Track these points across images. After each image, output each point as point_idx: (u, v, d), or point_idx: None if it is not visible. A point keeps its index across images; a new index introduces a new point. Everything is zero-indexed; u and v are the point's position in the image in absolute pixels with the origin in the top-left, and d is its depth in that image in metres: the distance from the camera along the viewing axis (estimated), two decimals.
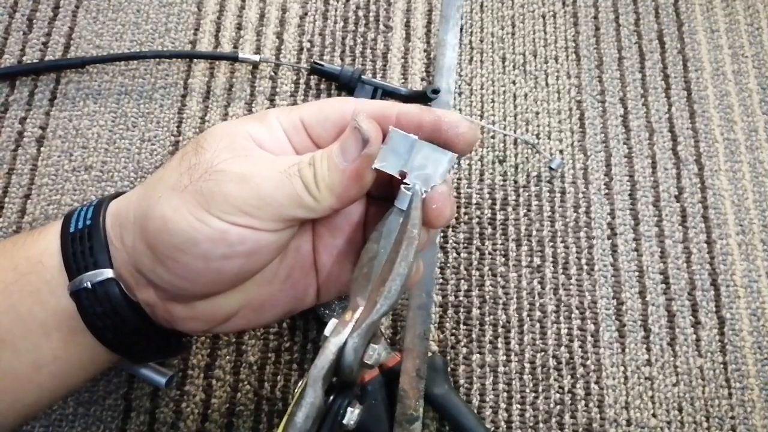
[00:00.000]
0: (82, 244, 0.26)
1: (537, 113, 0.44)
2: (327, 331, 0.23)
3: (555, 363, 0.38)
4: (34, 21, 0.45)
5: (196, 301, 0.26)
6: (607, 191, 0.43)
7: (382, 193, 0.27)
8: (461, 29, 0.46)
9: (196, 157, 0.25)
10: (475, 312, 0.39)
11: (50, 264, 0.26)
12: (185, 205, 0.24)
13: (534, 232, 0.41)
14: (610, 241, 0.41)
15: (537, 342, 0.39)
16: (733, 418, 0.38)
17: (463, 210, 0.41)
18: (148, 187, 0.26)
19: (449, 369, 0.37)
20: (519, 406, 0.37)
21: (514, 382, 0.38)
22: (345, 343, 0.22)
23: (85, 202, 0.29)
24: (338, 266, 0.28)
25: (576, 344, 0.39)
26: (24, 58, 0.43)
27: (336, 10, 0.46)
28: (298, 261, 0.28)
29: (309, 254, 0.28)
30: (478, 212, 0.41)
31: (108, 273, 0.25)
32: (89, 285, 0.25)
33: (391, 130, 0.24)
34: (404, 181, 0.24)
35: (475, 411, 0.37)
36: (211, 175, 0.24)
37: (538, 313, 0.39)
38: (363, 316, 0.23)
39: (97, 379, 0.36)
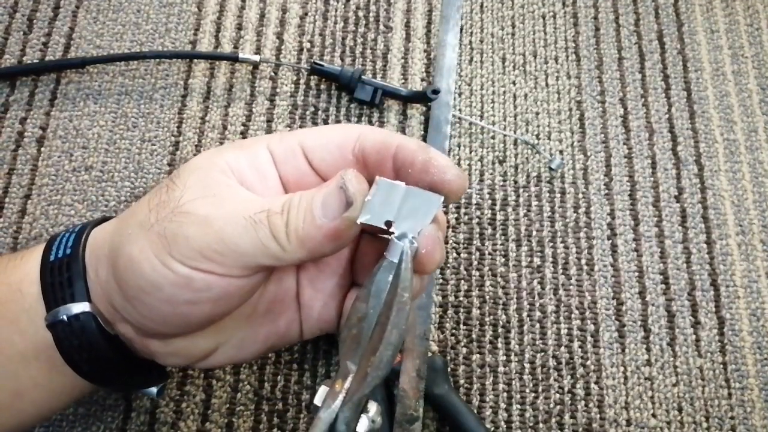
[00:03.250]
0: (61, 274, 0.25)
1: (537, 114, 0.44)
2: (317, 401, 0.22)
3: (555, 363, 0.38)
4: (34, 21, 0.45)
5: (173, 339, 0.25)
6: (607, 191, 0.43)
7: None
8: (461, 29, 0.46)
9: (166, 193, 0.24)
10: (475, 312, 0.39)
11: (29, 292, 0.25)
12: (151, 246, 0.23)
13: (534, 233, 0.41)
14: (610, 241, 0.41)
15: (537, 342, 0.39)
16: (732, 418, 0.38)
17: (463, 210, 0.41)
18: (122, 220, 0.25)
19: (449, 369, 0.37)
20: (519, 407, 0.37)
21: (514, 382, 0.38)
22: (336, 418, 0.21)
23: (70, 227, 0.28)
24: (322, 302, 0.27)
25: (576, 344, 0.39)
26: (24, 59, 0.43)
27: (336, 11, 0.46)
28: (279, 294, 0.27)
29: (292, 287, 0.27)
30: (478, 212, 0.41)
31: (84, 306, 0.25)
32: (65, 318, 0.24)
33: (378, 180, 0.23)
34: (390, 230, 0.23)
35: (475, 411, 0.37)
36: (176, 216, 0.23)
37: (538, 314, 0.39)
38: (354, 388, 0.22)
39: None
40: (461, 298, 0.39)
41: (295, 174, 0.25)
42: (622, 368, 0.38)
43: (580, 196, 0.42)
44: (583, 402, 0.37)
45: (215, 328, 0.26)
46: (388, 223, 0.23)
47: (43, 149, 0.41)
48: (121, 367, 0.26)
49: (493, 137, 0.43)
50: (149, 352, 0.26)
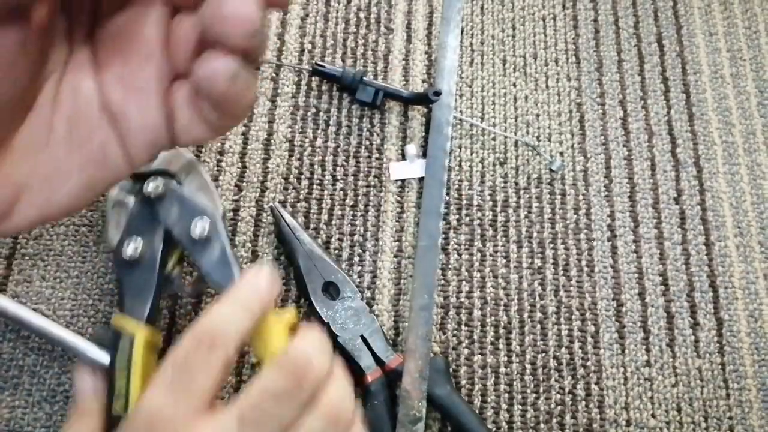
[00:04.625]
0: None
1: (537, 115, 0.45)
2: None
3: (556, 364, 0.38)
4: None
5: None
6: (606, 193, 0.43)
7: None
8: (462, 31, 0.46)
9: None
10: (477, 313, 0.39)
11: None
12: None
13: (534, 234, 0.41)
14: (610, 242, 0.42)
15: (538, 343, 0.39)
16: (730, 418, 0.38)
17: (464, 212, 0.42)
18: None
19: (451, 370, 0.38)
20: (520, 407, 0.37)
21: (515, 382, 0.38)
22: None
23: None
24: (138, 104, 0.21)
25: (576, 345, 0.39)
26: None
27: (337, 12, 0.46)
28: (78, 106, 0.21)
29: (93, 94, 0.21)
30: (479, 214, 0.42)
31: None
32: None
33: None
34: None
35: (477, 411, 0.37)
36: None
37: (538, 315, 0.39)
38: None
39: None
40: (463, 300, 0.39)
41: None
42: (622, 369, 0.39)
43: (581, 197, 0.43)
44: (583, 402, 0.38)
45: (4, 161, 0.20)
46: None
47: None
48: None
49: (493, 139, 0.44)
50: None
